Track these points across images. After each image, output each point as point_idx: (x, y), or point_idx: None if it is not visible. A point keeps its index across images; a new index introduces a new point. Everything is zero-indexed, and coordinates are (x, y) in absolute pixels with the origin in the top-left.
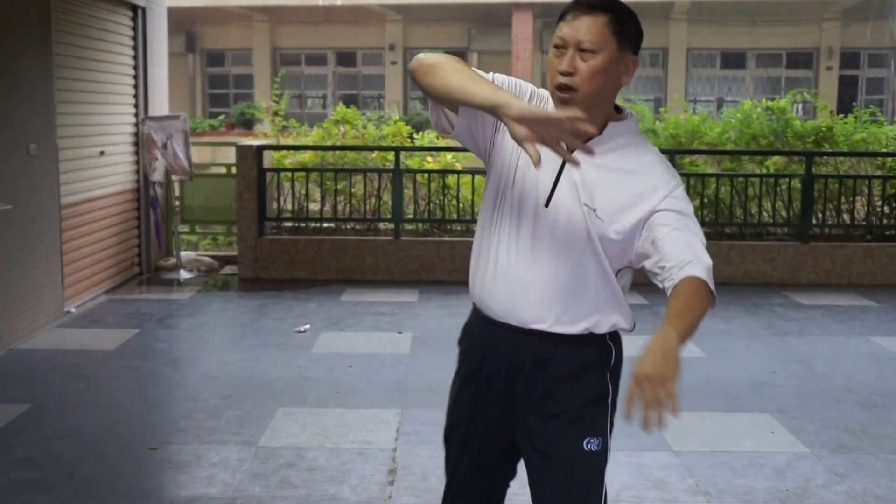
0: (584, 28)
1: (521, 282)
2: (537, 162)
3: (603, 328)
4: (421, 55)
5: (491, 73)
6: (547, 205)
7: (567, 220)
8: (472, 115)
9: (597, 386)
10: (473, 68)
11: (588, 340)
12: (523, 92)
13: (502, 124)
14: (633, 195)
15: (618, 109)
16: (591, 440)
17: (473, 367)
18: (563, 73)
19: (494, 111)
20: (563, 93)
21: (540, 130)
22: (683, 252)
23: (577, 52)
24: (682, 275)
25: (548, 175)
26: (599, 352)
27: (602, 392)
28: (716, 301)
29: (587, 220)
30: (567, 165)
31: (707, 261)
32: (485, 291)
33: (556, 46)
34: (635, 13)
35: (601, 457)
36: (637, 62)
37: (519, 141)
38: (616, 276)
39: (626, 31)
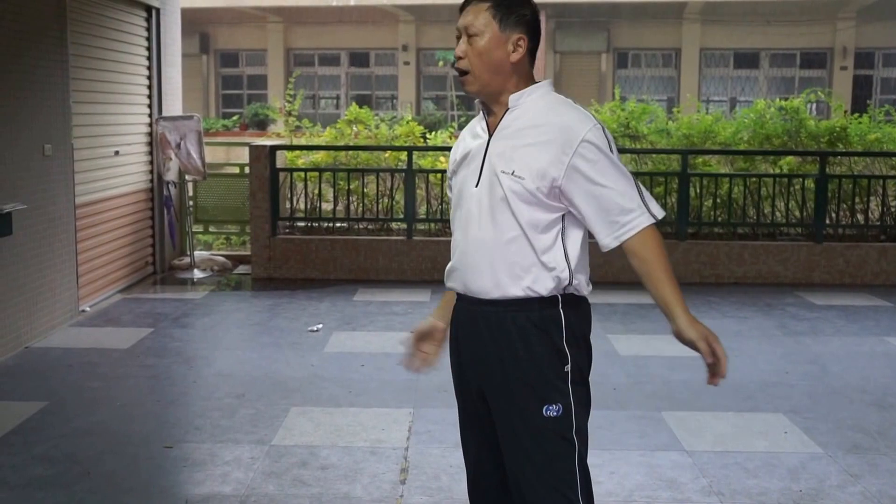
0: (470, 16)
1: (466, 258)
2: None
3: (545, 288)
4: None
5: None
6: (477, 185)
7: (488, 191)
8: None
9: (551, 351)
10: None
11: (536, 304)
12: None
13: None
14: (543, 142)
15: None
16: (550, 406)
17: (451, 342)
18: (457, 58)
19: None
20: (461, 75)
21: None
22: (605, 215)
23: (467, 38)
24: (624, 237)
25: (473, 162)
26: (550, 315)
27: (558, 357)
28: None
29: (501, 185)
30: (488, 147)
31: (630, 204)
32: (450, 273)
33: (457, 38)
34: (522, 1)
35: (564, 423)
36: (525, 40)
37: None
38: (549, 230)
39: (507, 13)
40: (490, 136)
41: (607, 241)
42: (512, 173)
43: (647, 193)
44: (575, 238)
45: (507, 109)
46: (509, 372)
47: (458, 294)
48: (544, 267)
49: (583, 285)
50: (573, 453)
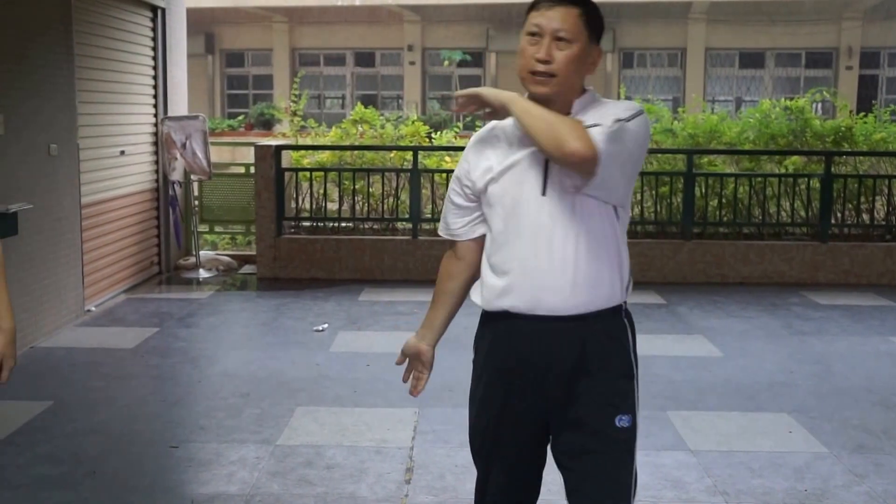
0: (560, 18)
1: (539, 273)
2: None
3: (617, 297)
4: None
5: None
6: (544, 193)
7: (561, 199)
8: (467, 215)
9: (624, 361)
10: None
11: (612, 314)
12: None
13: (471, 187)
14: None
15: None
16: (623, 417)
17: (502, 365)
18: (542, 61)
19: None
20: (542, 76)
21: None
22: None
23: (553, 41)
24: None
25: (532, 170)
26: (623, 326)
27: (629, 368)
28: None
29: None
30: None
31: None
32: (507, 291)
33: (531, 34)
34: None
35: (632, 433)
36: (601, 54)
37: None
38: (615, 234)
39: (595, 24)
40: None
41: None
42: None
43: None
44: (624, 239)
45: (569, 115)
46: (587, 385)
47: (509, 313)
48: (619, 274)
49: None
50: (633, 466)
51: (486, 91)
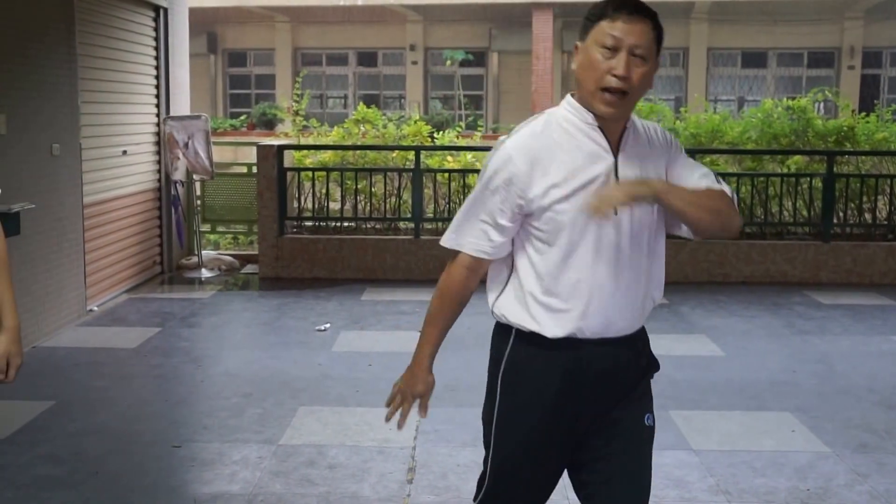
0: (638, 33)
1: (615, 296)
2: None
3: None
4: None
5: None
6: (616, 212)
7: (631, 217)
8: (510, 233)
9: (649, 362)
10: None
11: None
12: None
13: (519, 201)
14: (659, 157)
15: None
16: (649, 415)
17: (565, 392)
18: (621, 77)
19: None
20: (614, 95)
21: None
22: (700, 179)
23: (631, 57)
24: (704, 185)
25: (598, 187)
26: (644, 339)
27: (652, 368)
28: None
29: (653, 209)
30: (618, 170)
31: (726, 186)
32: (581, 318)
33: (607, 47)
34: None
35: (653, 432)
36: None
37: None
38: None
39: (659, 37)
40: (615, 157)
41: (713, 185)
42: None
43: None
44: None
45: (625, 129)
46: (624, 385)
47: (573, 339)
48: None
49: None
50: (651, 467)
51: (638, 189)
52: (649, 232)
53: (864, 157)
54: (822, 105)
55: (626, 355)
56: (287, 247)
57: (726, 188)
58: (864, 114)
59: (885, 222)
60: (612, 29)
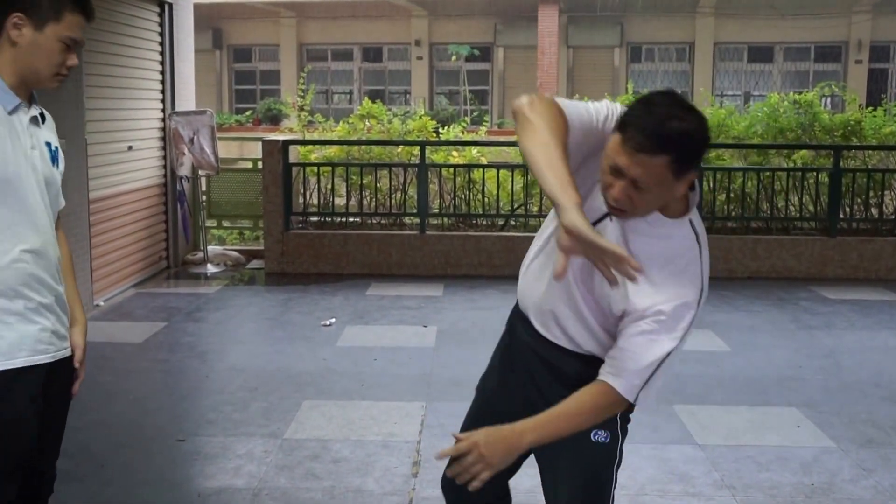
0: (642, 168)
1: (543, 300)
2: (559, 275)
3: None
4: (526, 100)
5: (591, 104)
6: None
7: (585, 265)
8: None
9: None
10: (571, 107)
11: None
12: (611, 114)
13: (605, 137)
14: (640, 302)
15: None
16: (599, 432)
17: (504, 344)
18: (616, 200)
19: (555, 208)
20: (615, 212)
21: (584, 248)
22: (625, 356)
23: (631, 183)
24: (601, 376)
25: (593, 213)
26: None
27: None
28: (632, 406)
29: (599, 283)
30: (609, 220)
31: (635, 381)
32: (524, 293)
33: (612, 168)
34: (703, 129)
35: (609, 448)
36: (696, 176)
37: (560, 247)
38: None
39: (687, 164)
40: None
41: (611, 378)
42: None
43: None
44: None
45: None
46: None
47: (523, 311)
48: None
49: None
50: (610, 482)
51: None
52: (579, 286)
53: (870, 152)
54: (828, 99)
55: (549, 354)
56: (292, 242)
57: (621, 385)
58: (871, 108)
59: (892, 217)
60: (620, 154)
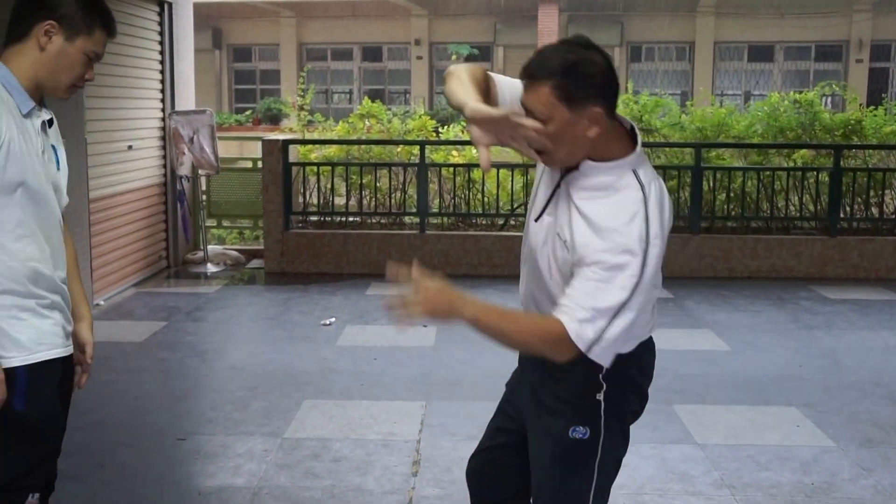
0: (533, 99)
1: (526, 288)
2: (485, 167)
3: None
4: (451, 67)
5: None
6: (537, 219)
7: (544, 239)
8: None
9: (587, 381)
10: (493, 73)
11: None
12: None
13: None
14: (584, 251)
15: (633, 138)
16: (577, 428)
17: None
18: (528, 139)
19: (463, 114)
20: (539, 154)
21: (492, 129)
22: (572, 298)
23: (536, 119)
24: (554, 313)
25: (544, 193)
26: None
27: (592, 388)
28: (585, 353)
29: (555, 245)
30: (560, 189)
31: (586, 329)
32: (520, 287)
33: (525, 112)
34: (589, 60)
35: (590, 445)
36: (602, 113)
37: (475, 141)
38: None
39: (575, 90)
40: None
41: (564, 316)
42: (564, 242)
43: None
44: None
45: (578, 170)
46: (545, 397)
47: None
48: None
49: None
50: (590, 479)
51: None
52: (547, 260)
53: (871, 151)
54: (829, 99)
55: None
56: (292, 241)
57: (574, 327)
58: (872, 107)
59: (893, 217)
60: (523, 95)
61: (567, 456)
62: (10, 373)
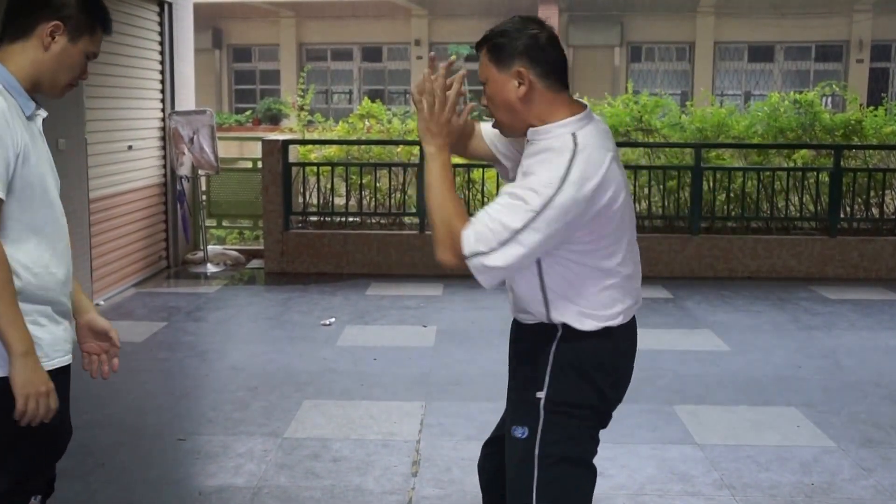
0: (479, 67)
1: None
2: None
3: (557, 318)
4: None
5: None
6: None
7: None
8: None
9: (534, 377)
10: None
11: (537, 329)
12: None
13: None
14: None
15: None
16: (518, 428)
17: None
18: (480, 108)
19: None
20: (495, 126)
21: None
22: (479, 214)
23: (484, 89)
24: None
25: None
26: (541, 342)
27: (533, 385)
28: (464, 261)
29: None
30: (521, 164)
31: (478, 243)
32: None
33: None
34: (519, 29)
35: (528, 446)
36: (526, 70)
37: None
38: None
39: (500, 51)
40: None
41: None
42: None
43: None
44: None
45: (528, 142)
46: (511, 384)
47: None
48: (543, 302)
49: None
50: (530, 482)
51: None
52: None
53: (871, 152)
54: (829, 99)
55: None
56: (292, 242)
57: (479, 244)
58: (872, 107)
59: (893, 217)
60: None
61: (512, 454)
62: None
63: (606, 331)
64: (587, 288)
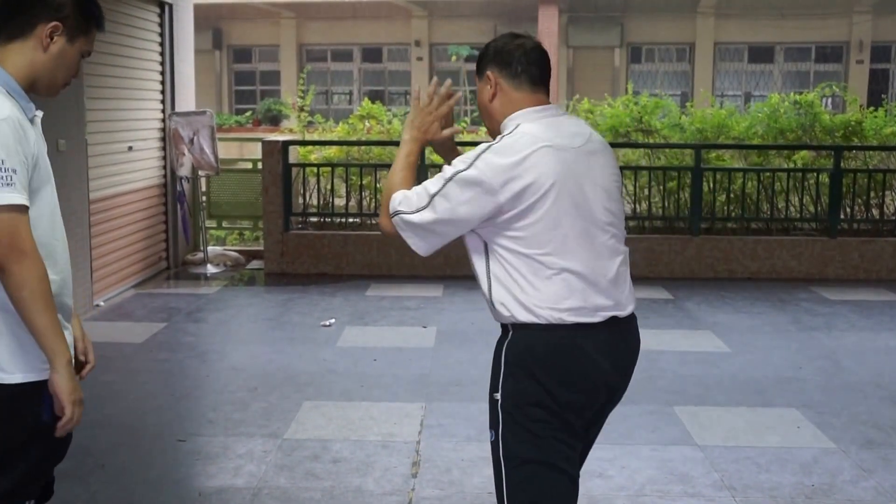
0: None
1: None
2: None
3: (503, 312)
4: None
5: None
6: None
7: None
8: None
9: (493, 379)
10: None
11: (501, 329)
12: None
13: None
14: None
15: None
16: (490, 432)
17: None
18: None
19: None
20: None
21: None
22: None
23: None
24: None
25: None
26: (499, 342)
27: (494, 385)
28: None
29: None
30: None
31: (405, 207)
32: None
33: None
34: (498, 39)
35: (495, 449)
36: (492, 75)
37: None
38: (494, 256)
39: (479, 61)
40: None
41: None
42: None
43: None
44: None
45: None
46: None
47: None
48: (491, 289)
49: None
50: (500, 483)
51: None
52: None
53: (871, 153)
54: (829, 100)
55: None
56: (292, 242)
57: (402, 205)
58: (872, 108)
59: (893, 218)
60: None
61: (491, 459)
62: (40, 384)
63: (554, 326)
64: (526, 277)
